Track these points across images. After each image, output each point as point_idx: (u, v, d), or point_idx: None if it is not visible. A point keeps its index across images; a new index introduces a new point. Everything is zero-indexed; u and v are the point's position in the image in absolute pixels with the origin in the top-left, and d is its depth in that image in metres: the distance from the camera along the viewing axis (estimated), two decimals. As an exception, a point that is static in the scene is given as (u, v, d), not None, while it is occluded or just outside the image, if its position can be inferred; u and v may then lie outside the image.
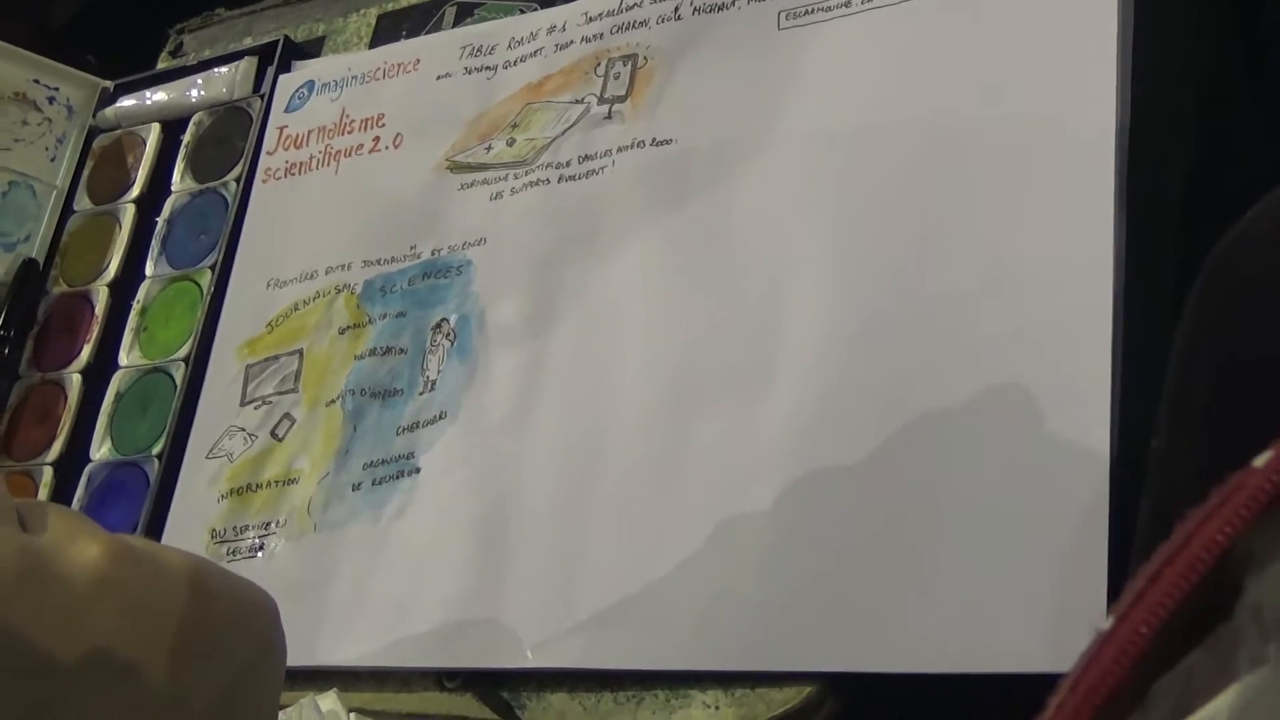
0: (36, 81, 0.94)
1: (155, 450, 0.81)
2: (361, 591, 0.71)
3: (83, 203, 0.93)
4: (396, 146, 0.84)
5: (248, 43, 0.94)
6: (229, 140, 0.90)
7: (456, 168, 0.80)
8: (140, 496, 0.80)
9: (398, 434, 0.74)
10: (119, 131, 0.94)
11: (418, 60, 0.86)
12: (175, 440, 0.81)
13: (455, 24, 0.86)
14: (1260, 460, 0.38)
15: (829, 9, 0.71)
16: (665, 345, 0.67)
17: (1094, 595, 0.56)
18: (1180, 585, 0.37)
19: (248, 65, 0.91)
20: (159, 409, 0.83)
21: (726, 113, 0.72)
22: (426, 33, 0.87)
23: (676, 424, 0.65)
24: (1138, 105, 0.65)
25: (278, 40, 0.91)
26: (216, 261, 0.85)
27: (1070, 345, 0.59)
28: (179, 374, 0.83)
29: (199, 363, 0.82)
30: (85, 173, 0.94)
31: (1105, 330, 0.58)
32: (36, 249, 0.92)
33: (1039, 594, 0.56)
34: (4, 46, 0.93)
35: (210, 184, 0.89)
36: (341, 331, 0.79)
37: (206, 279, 0.85)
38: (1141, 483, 0.56)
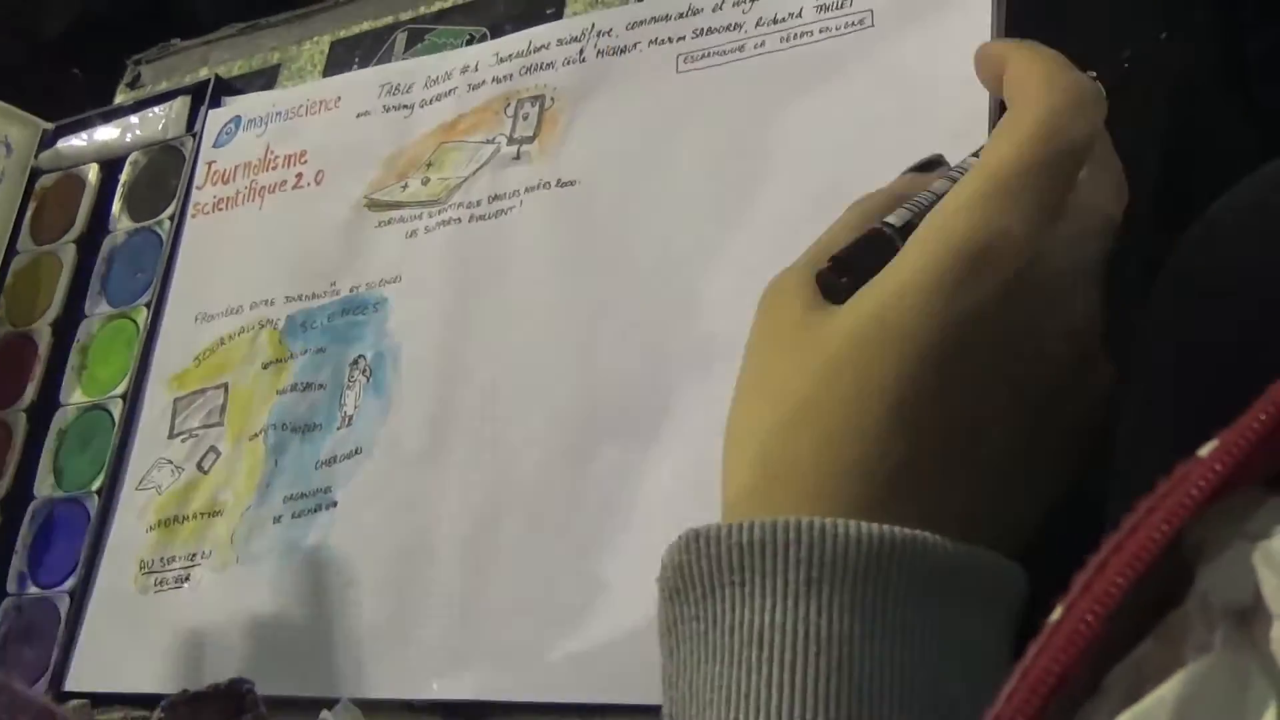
0: (-23, 121, 0.95)
1: (95, 486, 0.82)
2: (282, 622, 0.72)
3: (25, 243, 0.94)
4: (318, 183, 0.85)
5: (204, 73, 0.96)
6: (163, 179, 0.91)
7: (374, 205, 0.82)
8: (81, 531, 0.82)
9: (316, 468, 0.75)
10: (59, 173, 0.96)
11: (338, 98, 0.87)
12: (113, 475, 0.82)
13: (406, 49, 0.87)
14: (1205, 450, 0.38)
15: (724, 53, 0.72)
16: (570, 382, 0.69)
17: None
18: (1125, 574, 0.37)
19: (181, 104, 0.93)
20: (99, 445, 0.84)
21: (628, 153, 0.73)
22: (379, 58, 0.88)
23: (581, 460, 0.67)
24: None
25: (208, 80, 0.93)
26: (152, 299, 0.86)
27: None
28: (117, 410, 0.84)
29: (134, 399, 0.84)
30: (29, 214, 0.95)
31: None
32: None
33: None
34: (-60, 85, 0.95)
35: (145, 222, 0.90)
36: (265, 366, 0.81)
37: (143, 316, 0.86)
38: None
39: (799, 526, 0.44)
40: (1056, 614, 0.36)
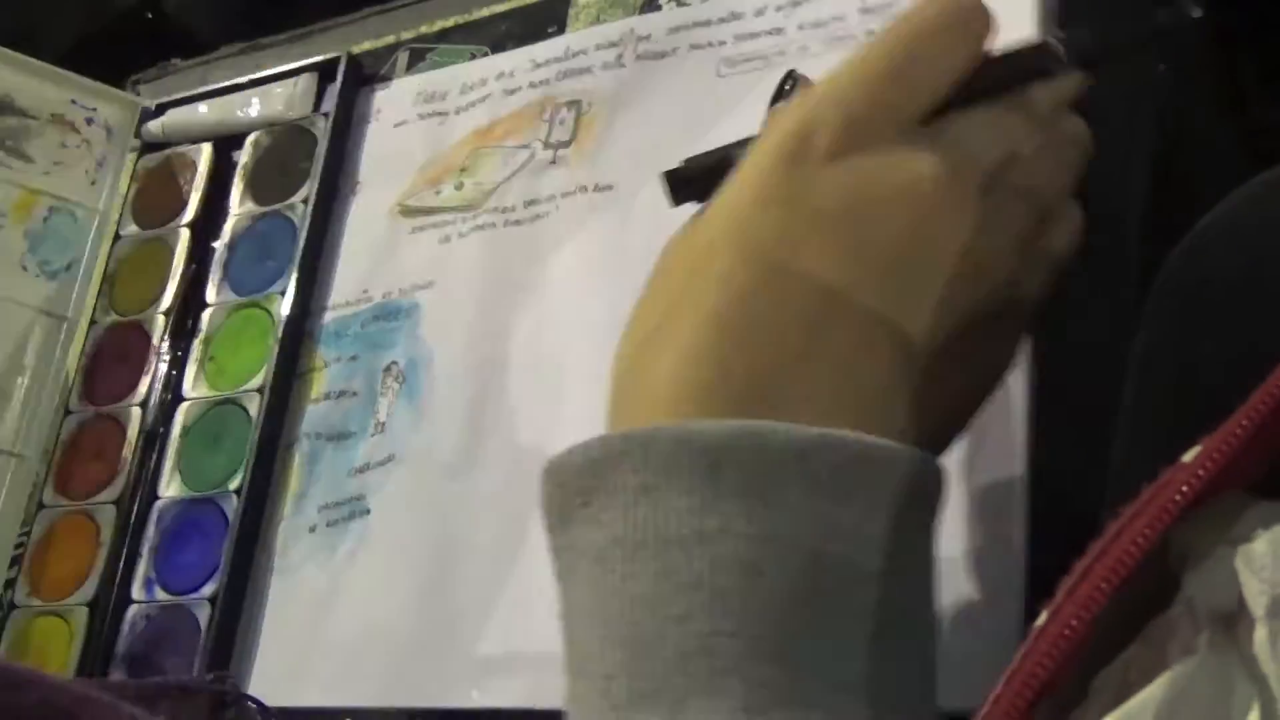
0: (74, 102, 0.93)
1: (233, 486, 0.80)
2: (318, 633, 0.74)
3: (129, 228, 0.92)
4: (354, 193, 0.86)
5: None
6: (290, 160, 0.88)
7: (408, 211, 0.83)
8: (215, 534, 0.79)
9: (350, 475, 0.76)
10: (165, 153, 0.93)
11: (378, 110, 0.88)
12: (255, 474, 0.79)
13: (408, 69, 0.88)
14: (1189, 456, 0.39)
15: (766, 57, 0.72)
16: (606, 387, 0.68)
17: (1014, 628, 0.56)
18: (1110, 579, 0.37)
19: (309, 80, 0.90)
20: (232, 442, 0.82)
21: (666, 158, 0.71)
22: (380, 78, 0.88)
23: None
24: (1098, 114, 0.65)
25: (338, 57, 0.90)
26: (288, 287, 0.84)
27: None
28: (253, 405, 0.82)
29: (275, 393, 0.81)
30: (130, 196, 0.93)
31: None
32: (80, 277, 0.91)
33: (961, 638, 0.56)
34: (39, 65, 0.93)
35: (274, 206, 0.87)
36: (300, 375, 0.82)
37: (276, 305, 0.84)
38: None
39: (630, 436, 0.44)
40: (1042, 618, 0.38)
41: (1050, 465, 0.61)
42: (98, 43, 1.20)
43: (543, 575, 0.64)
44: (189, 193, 0.90)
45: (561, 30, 0.80)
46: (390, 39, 0.89)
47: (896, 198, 0.48)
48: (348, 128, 0.88)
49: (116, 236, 0.92)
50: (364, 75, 0.90)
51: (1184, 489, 0.38)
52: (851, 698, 0.42)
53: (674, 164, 0.53)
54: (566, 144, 0.78)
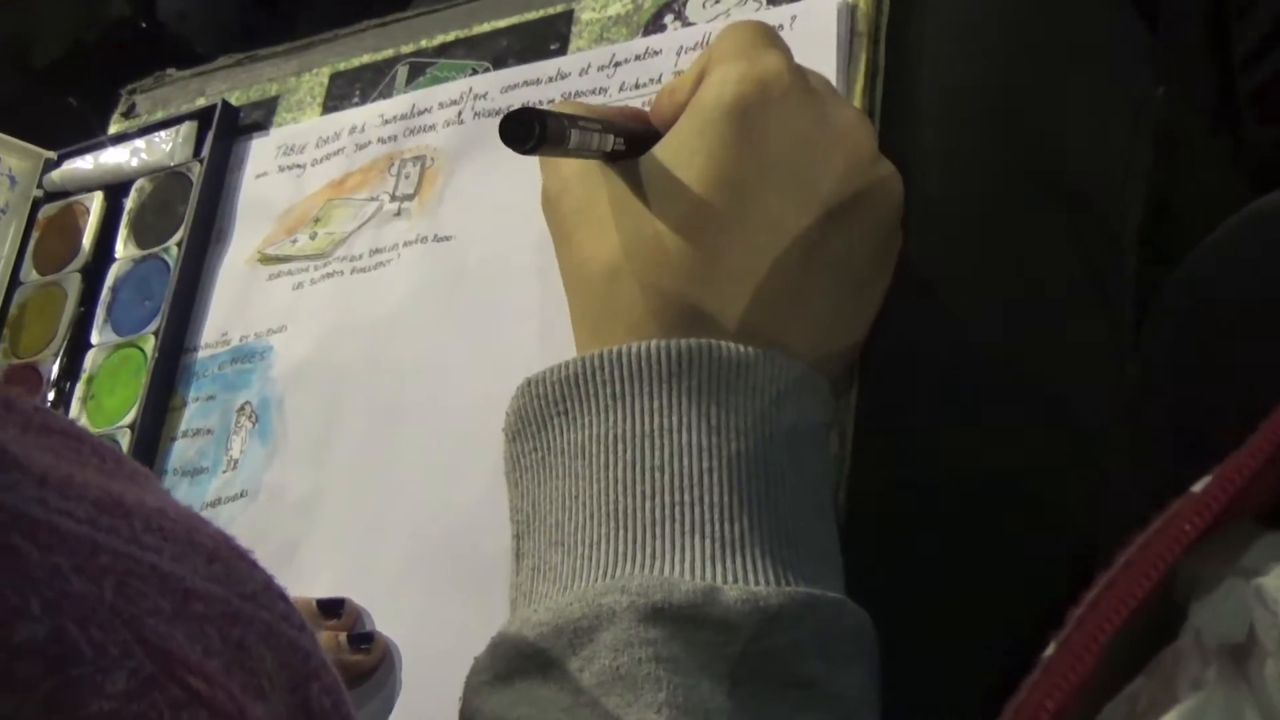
0: (-18, 154, 0.96)
1: (102, 517, 0.82)
2: None
3: (29, 274, 0.95)
4: (219, 241, 0.89)
5: (200, 103, 0.95)
6: (170, 205, 0.91)
7: (266, 259, 0.85)
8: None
9: (201, 510, 0.78)
10: (65, 201, 0.95)
11: (241, 161, 0.91)
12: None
13: (408, 83, 0.87)
14: (1198, 486, 0.40)
15: None
16: (439, 426, 0.72)
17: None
18: (1120, 611, 0.38)
19: (189, 129, 0.92)
20: (106, 476, 0.84)
21: (500, 209, 0.76)
22: (379, 92, 0.89)
23: (451, 501, 0.70)
24: (1088, 146, 0.67)
25: (215, 104, 0.92)
26: (159, 327, 0.86)
27: None
28: (125, 440, 0.84)
29: (143, 429, 0.84)
30: (31, 243, 0.95)
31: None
32: (-17, 321, 0.93)
33: None
34: (-56, 117, 0.95)
35: (152, 250, 0.90)
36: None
37: (150, 344, 0.86)
38: None
39: (604, 355, 0.55)
40: (1050, 649, 0.38)
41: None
42: (90, 52, 1.21)
43: (387, 613, 0.69)
44: (82, 239, 0.93)
45: (564, 47, 0.81)
46: (390, 53, 0.89)
47: (838, 140, 0.60)
48: (221, 174, 0.91)
49: (18, 282, 0.95)
50: (239, 125, 0.92)
51: (1195, 519, 0.39)
52: (790, 548, 0.53)
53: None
54: (411, 196, 0.81)
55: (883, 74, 0.68)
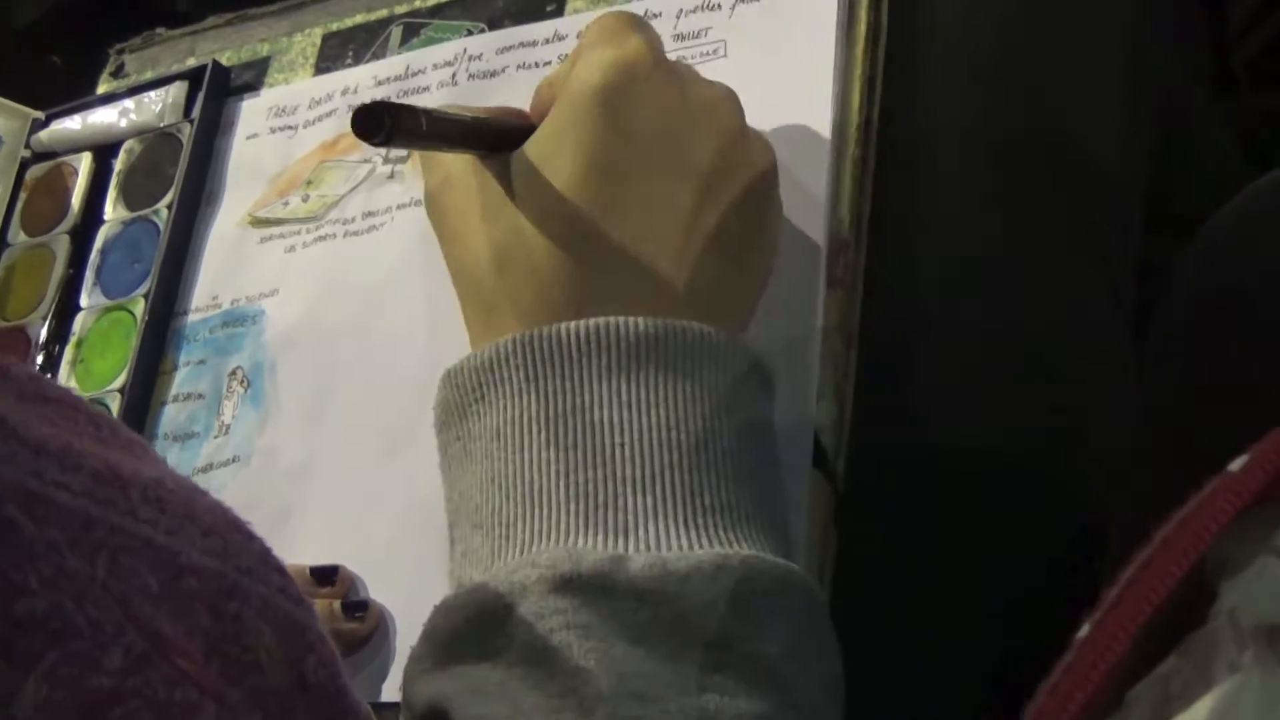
0: (-35, 113, 0.94)
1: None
2: None
3: (17, 235, 0.93)
4: (208, 204, 0.88)
5: (191, 63, 0.94)
6: (160, 166, 0.90)
7: (257, 222, 0.84)
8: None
9: (193, 475, 0.77)
10: (53, 162, 0.94)
11: (233, 123, 0.89)
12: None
13: (402, 43, 0.86)
14: (1236, 465, 0.39)
15: None
16: (433, 390, 0.69)
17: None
18: (1157, 590, 0.38)
19: (179, 90, 0.91)
20: (96, 440, 0.83)
21: None
22: (373, 53, 0.87)
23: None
24: (1089, 113, 0.67)
25: (206, 65, 0.91)
26: (150, 289, 0.85)
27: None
28: (114, 404, 0.83)
29: (134, 391, 0.83)
30: (19, 205, 0.94)
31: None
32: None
33: None
34: (-75, 78, 0.94)
35: (142, 212, 0.89)
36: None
37: (140, 307, 0.85)
38: None
39: (516, 340, 0.56)
40: (1084, 630, 0.38)
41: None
42: (74, 9, 1.19)
43: (381, 579, 0.69)
44: (70, 201, 0.92)
45: (560, 8, 0.80)
46: (384, 13, 0.88)
47: (705, 115, 0.61)
48: (212, 136, 0.90)
49: (6, 244, 0.94)
50: (230, 86, 0.91)
51: (1233, 499, 0.39)
52: (707, 514, 0.53)
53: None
54: (404, 159, 0.80)
55: (885, 39, 0.68)
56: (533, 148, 0.60)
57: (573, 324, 0.56)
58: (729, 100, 0.62)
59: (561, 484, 0.54)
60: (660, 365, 0.55)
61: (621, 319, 0.56)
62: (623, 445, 0.54)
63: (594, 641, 0.49)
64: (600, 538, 0.52)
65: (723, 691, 0.49)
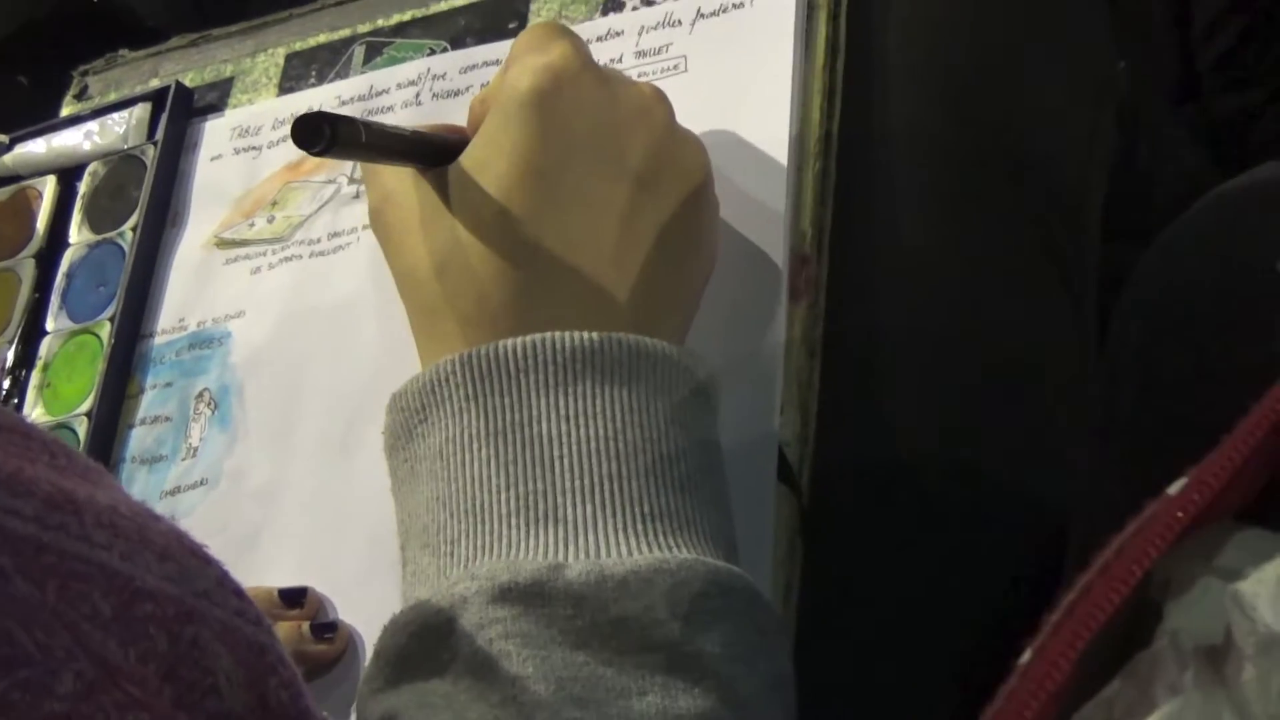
0: (-72, 137, 0.94)
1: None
2: None
3: (-18, 261, 0.93)
4: (174, 225, 0.88)
5: (154, 84, 0.94)
6: (124, 189, 0.90)
7: (223, 244, 0.84)
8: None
9: (160, 499, 0.77)
10: (17, 185, 0.94)
11: (196, 144, 0.89)
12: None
13: (365, 63, 0.86)
14: (1174, 488, 0.39)
15: None
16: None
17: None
18: (1096, 616, 0.37)
19: (142, 111, 0.91)
20: (63, 465, 0.83)
21: None
22: (336, 72, 0.88)
23: None
24: (1047, 122, 0.67)
25: (169, 86, 0.91)
26: (116, 312, 0.85)
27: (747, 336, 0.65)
28: (81, 428, 0.83)
29: (101, 415, 0.83)
30: (-14, 230, 0.94)
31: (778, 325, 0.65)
32: (-65, 308, 0.92)
33: None
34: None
35: (107, 234, 0.89)
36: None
37: (106, 330, 0.85)
38: None
39: (455, 360, 0.56)
40: (1026, 656, 0.38)
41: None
42: (41, 31, 1.19)
43: (351, 601, 0.70)
44: (35, 224, 0.92)
45: (522, 26, 0.80)
46: (346, 32, 0.88)
47: (636, 114, 0.61)
48: (176, 157, 0.90)
49: (-31, 269, 0.93)
50: (193, 107, 0.91)
51: (1171, 523, 0.39)
52: (646, 521, 0.54)
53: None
54: None
55: (844, 51, 0.68)
56: (467, 156, 0.61)
57: (511, 341, 0.56)
58: (658, 100, 0.63)
59: (503, 498, 0.54)
60: (598, 376, 0.56)
61: (559, 334, 0.56)
62: (563, 457, 0.54)
63: (532, 649, 0.50)
64: (540, 549, 0.53)
65: (664, 693, 0.50)
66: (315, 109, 0.84)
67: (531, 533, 0.53)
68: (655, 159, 0.61)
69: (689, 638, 0.51)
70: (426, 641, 0.52)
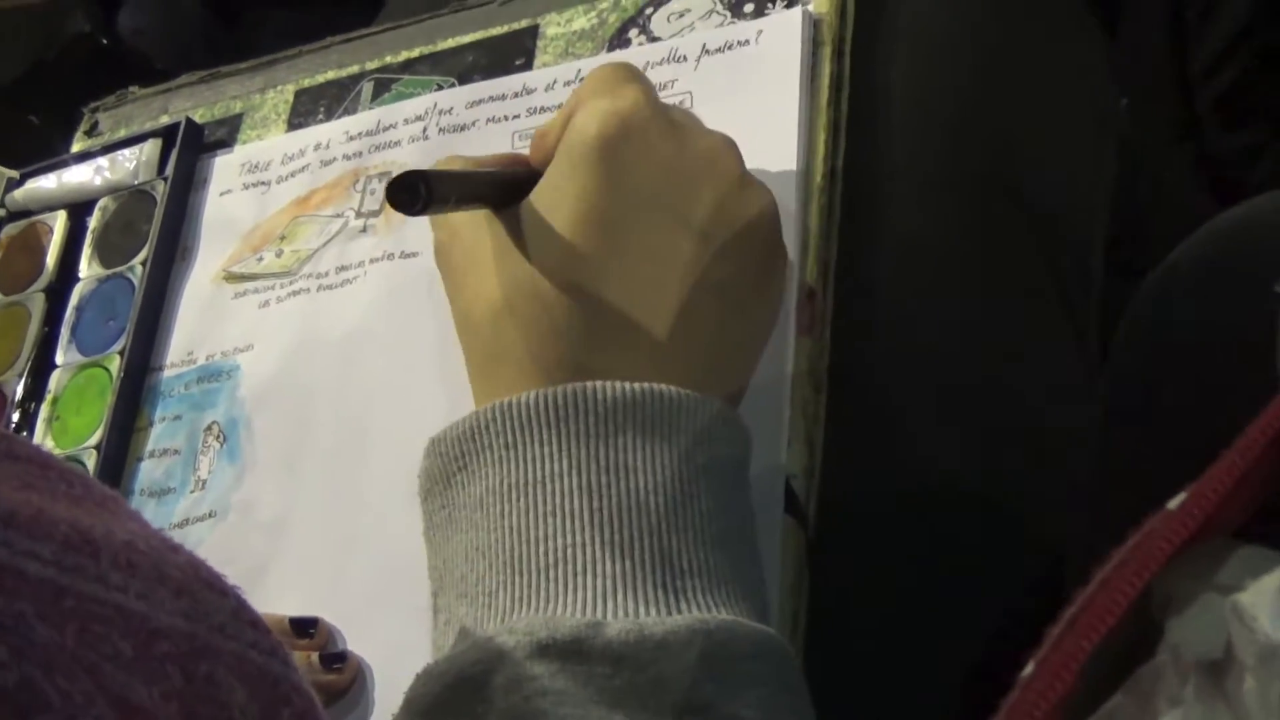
0: (-62, 174, 0.95)
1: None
2: None
3: (-6, 295, 0.94)
4: (184, 260, 0.88)
5: (164, 121, 0.94)
6: (135, 224, 0.90)
7: (231, 278, 0.85)
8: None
9: (169, 531, 0.77)
10: (28, 220, 0.95)
11: (205, 180, 0.90)
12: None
13: (373, 99, 0.87)
14: (1174, 503, 0.39)
15: None
16: (411, 443, 0.69)
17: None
18: (1097, 629, 0.38)
19: (152, 147, 0.92)
20: (72, 498, 0.83)
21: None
22: (344, 108, 0.88)
23: (417, 522, 0.67)
24: (1050, 158, 0.67)
25: (179, 122, 0.91)
26: (125, 346, 0.86)
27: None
28: (90, 461, 0.84)
29: (110, 448, 0.83)
30: (-4, 264, 0.95)
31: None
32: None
33: None
34: (-101, 136, 0.95)
35: (117, 269, 0.89)
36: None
37: (115, 364, 0.86)
38: None
39: (496, 408, 0.56)
40: (1028, 669, 0.38)
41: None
42: (51, 70, 1.20)
43: (358, 632, 0.70)
44: (46, 259, 0.92)
45: (529, 62, 0.80)
46: (355, 68, 0.89)
47: (704, 165, 0.61)
48: (185, 192, 0.90)
49: (-20, 304, 0.94)
50: (203, 143, 0.92)
51: (1171, 537, 0.39)
52: (685, 578, 0.54)
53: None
54: (376, 213, 0.81)
55: (848, 87, 0.69)
56: (535, 200, 0.60)
57: (551, 389, 0.55)
58: (727, 148, 0.62)
59: (540, 550, 0.54)
60: (637, 429, 0.55)
61: (600, 383, 0.56)
62: (600, 510, 0.54)
63: (570, 707, 0.50)
64: (579, 604, 0.52)
65: None
66: (326, 145, 0.86)
67: (568, 586, 0.53)
68: (722, 210, 0.60)
69: (725, 700, 0.51)
70: (461, 692, 0.52)
